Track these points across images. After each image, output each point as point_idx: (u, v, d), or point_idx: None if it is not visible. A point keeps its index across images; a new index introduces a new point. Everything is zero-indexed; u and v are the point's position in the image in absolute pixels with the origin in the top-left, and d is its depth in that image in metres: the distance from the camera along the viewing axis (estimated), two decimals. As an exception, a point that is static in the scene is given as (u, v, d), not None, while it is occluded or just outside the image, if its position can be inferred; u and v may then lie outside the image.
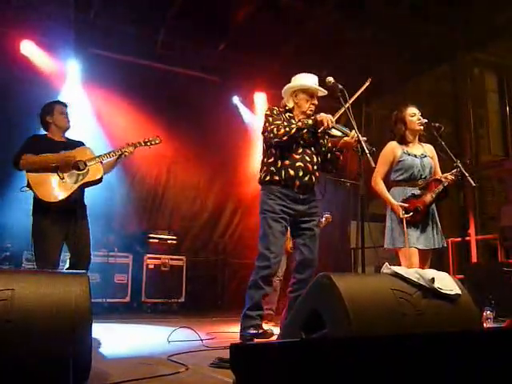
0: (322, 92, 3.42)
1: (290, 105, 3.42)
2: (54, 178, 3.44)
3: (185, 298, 6.46)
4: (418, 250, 3.33)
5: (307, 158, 3.26)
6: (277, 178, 3.23)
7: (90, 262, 3.55)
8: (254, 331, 3.01)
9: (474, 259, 6.33)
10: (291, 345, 1.38)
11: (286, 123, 3.23)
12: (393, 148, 3.55)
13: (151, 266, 6.36)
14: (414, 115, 3.54)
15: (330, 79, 3.19)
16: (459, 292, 2.18)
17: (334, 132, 3.23)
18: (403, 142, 3.55)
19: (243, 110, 7.56)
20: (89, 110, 6.38)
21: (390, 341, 1.48)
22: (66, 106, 3.76)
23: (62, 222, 3.43)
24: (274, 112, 3.34)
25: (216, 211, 7.52)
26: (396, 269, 2.19)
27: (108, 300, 5.97)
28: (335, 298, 1.94)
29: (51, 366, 1.63)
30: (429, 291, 2.13)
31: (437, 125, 3.44)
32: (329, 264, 7.02)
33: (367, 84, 3.28)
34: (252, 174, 6.92)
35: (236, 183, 7.55)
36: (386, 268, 2.22)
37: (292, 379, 1.34)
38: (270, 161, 3.28)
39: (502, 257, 6.02)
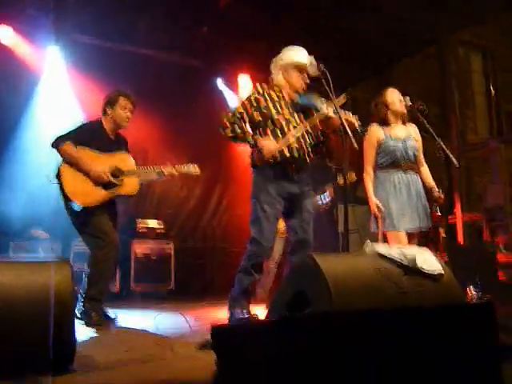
0: (314, 68, 3.23)
1: (281, 82, 3.32)
2: (87, 180, 3.37)
3: (174, 285, 6.46)
4: (406, 231, 3.36)
5: (301, 139, 3.21)
6: (271, 160, 3.15)
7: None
8: (241, 315, 3.02)
9: (460, 239, 6.39)
10: (271, 324, 1.39)
11: (237, 124, 3.16)
12: (375, 131, 3.54)
13: (139, 254, 6.34)
14: (395, 96, 3.54)
15: (312, 60, 3.18)
16: (442, 271, 2.19)
17: (331, 114, 3.12)
18: (385, 124, 3.55)
19: (228, 94, 7.50)
20: (71, 96, 6.27)
21: (369, 315, 1.50)
22: (131, 101, 3.58)
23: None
24: (253, 97, 3.25)
25: (204, 198, 7.49)
26: (379, 248, 2.20)
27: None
28: (318, 277, 1.95)
29: (32, 351, 1.63)
30: (411, 270, 2.14)
31: (419, 104, 3.44)
32: (317, 248, 7.04)
33: (342, 100, 3.15)
34: (239, 158, 6.92)
35: (223, 169, 7.53)
36: (369, 247, 2.23)
37: (272, 357, 1.35)
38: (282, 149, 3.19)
39: (487, 236, 6.09)
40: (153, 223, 6.66)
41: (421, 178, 3.52)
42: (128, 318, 3.90)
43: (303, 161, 3.22)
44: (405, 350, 1.52)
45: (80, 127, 3.50)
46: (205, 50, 7.17)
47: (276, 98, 3.29)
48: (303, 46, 3.37)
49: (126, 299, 6.05)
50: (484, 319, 1.44)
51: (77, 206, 3.37)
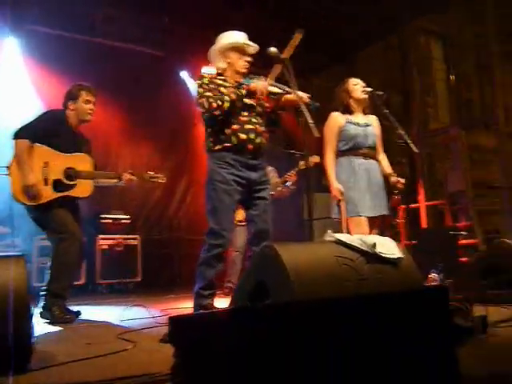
0: (254, 48, 3.26)
1: (222, 66, 3.24)
2: (37, 176, 3.29)
3: (141, 277, 6.41)
4: (367, 218, 3.40)
5: (254, 120, 3.15)
6: (228, 144, 3.09)
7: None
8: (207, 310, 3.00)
9: (424, 224, 6.52)
10: (229, 313, 1.39)
11: (218, 95, 3.06)
12: (336, 118, 3.57)
13: (104, 247, 6.26)
14: (356, 84, 3.57)
15: (273, 49, 3.16)
16: (401, 256, 2.23)
17: (274, 90, 3.14)
18: (347, 111, 3.58)
19: (192, 85, 7.43)
20: (28, 87, 6.10)
21: (327, 303, 1.51)
22: (93, 94, 3.51)
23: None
24: (205, 81, 3.14)
25: (169, 188, 7.42)
26: (339, 236, 2.22)
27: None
28: (278, 267, 1.95)
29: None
30: (371, 256, 2.17)
31: (380, 93, 3.48)
32: (281, 237, 7.07)
33: (299, 36, 2.97)
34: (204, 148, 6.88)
35: (188, 159, 7.48)
36: (329, 235, 2.25)
37: (231, 348, 1.35)
38: (215, 128, 3.12)
39: (450, 221, 6.24)
40: (117, 215, 6.58)
41: (379, 167, 3.57)
42: (92, 312, 3.85)
43: (259, 144, 3.15)
44: (364, 336, 1.54)
45: (42, 118, 3.41)
46: (168, 40, 7.08)
47: (221, 83, 3.19)
48: (266, 35, 3.36)
49: (92, 293, 5.98)
50: (438, 303, 1.47)
51: (20, 203, 3.32)
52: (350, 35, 7.43)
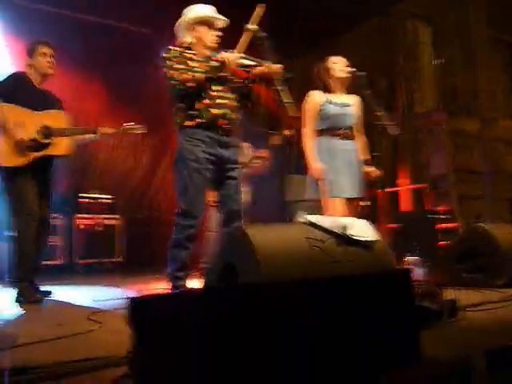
0: (223, 21, 3.15)
1: (189, 40, 3.12)
2: (11, 140, 3.18)
3: (122, 257, 6.36)
4: (345, 199, 3.38)
5: (227, 95, 3.07)
6: (199, 120, 2.99)
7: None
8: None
9: (404, 208, 6.54)
10: (191, 295, 1.35)
11: (190, 67, 2.95)
12: (315, 97, 3.52)
13: (82, 227, 6.18)
14: (337, 62, 3.52)
15: (251, 27, 3.08)
16: (374, 238, 2.21)
17: (245, 62, 3.04)
18: (326, 90, 3.53)
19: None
20: (12, 65, 5.93)
21: (294, 285, 1.48)
22: (50, 46, 3.39)
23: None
24: (175, 53, 3.01)
25: (151, 167, 7.34)
26: (310, 217, 2.19)
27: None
28: (247, 249, 1.93)
29: None
30: (342, 238, 2.15)
31: (362, 73, 3.43)
32: (263, 218, 7.04)
33: (262, 9, 2.96)
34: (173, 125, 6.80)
35: (170, 138, 7.38)
36: (301, 217, 2.22)
37: (194, 332, 1.32)
38: (186, 104, 3.01)
39: (430, 205, 6.26)
40: (97, 195, 6.49)
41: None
42: (66, 292, 3.81)
43: (232, 120, 3.08)
44: (330, 317, 1.52)
45: (5, 80, 3.31)
46: (155, 17, 6.93)
47: (190, 56, 3.08)
48: (244, 13, 3.25)
49: (69, 273, 5.92)
50: (401, 286, 1.45)
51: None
52: (335, 17, 7.32)
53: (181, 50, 3.10)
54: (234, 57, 2.95)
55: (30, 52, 3.38)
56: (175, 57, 3.01)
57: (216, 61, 2.97)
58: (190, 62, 3.02)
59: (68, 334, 2.01)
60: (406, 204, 6.61)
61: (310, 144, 3.46)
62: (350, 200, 3.41)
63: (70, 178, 6.71)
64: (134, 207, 7.01)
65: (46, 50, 3.39)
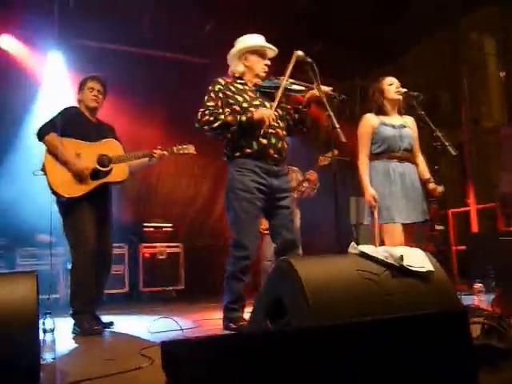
0: (273, 51, 3.19)
1: (241, 69, 3.17)
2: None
3: (184, 285, 6.42)
4: (402, 225, 3.23)
5: (275, 124, 3.03)
6: (248, 150, 2.99)
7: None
8: (235, 326, 2.92)
9: (475, 229, 6.19)
10: (225, 340, 1.29)
11: (218, 109, 2.98)
12: (369, 119, 3.42)
13: (147, 255, 6.31)
14: (391, 84, 3.41)
15: (300, 53, 3.05)
16: (432, 268, 2.06)
17: (295, 87, 3.03)
18: (381, 112, 3.42)
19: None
20: (72, 101, 6.23)
21: (342, 328, 1.39)
22: (98, 81, 3.54)
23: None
24: (216, 88, 3.07)
25: (211, 196, 7.42)
26: (363, 248, 2.08)
27: (106, 291, 5.95)
28: (295, 283, 1.84)
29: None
30: (398, 270, 2.02)
31: (415, 93, 3.30)
32: (329, 242, 6.88)
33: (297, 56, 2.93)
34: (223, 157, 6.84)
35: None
36: (353, 248, 2.11)
37: (226, 378, 1.25)
38: (234, 135, 3.02)
39: (502, 225, 5.88)
40: (160, 223, 6.62)
41: (417, 171, 3.38)
42: (127, 322, 3.86)
43: (281, 149, 3.04)
44: (381, 360, 1.41)
45: (60, 114, 3.43)
46: (209, 47, 7.08)
47: (240, 87, 3.14)
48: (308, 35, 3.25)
49: (135, 301, 6.04)
50: (457, 328, 1.32)
51: (62, 197, 3.32)
52: (398, 33, 7.14)
53: (229, 81, 3.14)
54: (268, 113, 2.91)
55: (80, 87, 3.54)
56: (215, 91, 3.06)
57: (250, 118, 2.93)
58: (230, 99, 3.04)
59: (117, 371, 2.00)
60: (475, 224, 6.25)
61: (365, 168, 3.35)
62: (409, 225, 3.25)
63: (135, 208, 6.91)
64: (195, 236, 7.08)
65: (93, 84, 3.53)
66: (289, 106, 3.22)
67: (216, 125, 2.97)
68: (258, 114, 2.92)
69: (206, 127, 3.00)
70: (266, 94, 3.13)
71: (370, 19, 6.65)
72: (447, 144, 3.05)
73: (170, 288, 6.35)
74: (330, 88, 2.91)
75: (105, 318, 3.55)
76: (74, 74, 6.27)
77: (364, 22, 6.68)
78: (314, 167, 4.73)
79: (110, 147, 3.46)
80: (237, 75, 3.20)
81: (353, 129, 3.52)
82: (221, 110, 3.01)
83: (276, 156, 3.03)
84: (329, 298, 1.85)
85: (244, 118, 2.95)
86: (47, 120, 3.42)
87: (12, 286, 1.79)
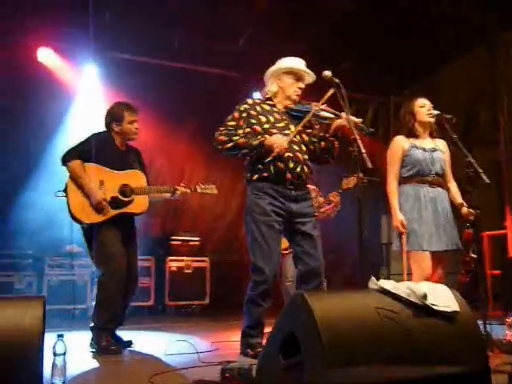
0: (310, 76, 3.10)
1: (274, 89, 3.10)
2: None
3: (209, 300, 6.36)
4: (431, 252, 3.09)
5: (295, 147, 2.95)
6: (265, 174, 2.92)
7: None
8: (252, 353, 2.83)
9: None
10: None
11: (233, 131, 2.94)
12: (399, 142, 3.30)
13: (174, 269, 6.29)
14: (423, 106, 3.28)
15: (327, 73, 2.98)
16: (457, 309, 1.94)
17: (323, 114, 2.95)
18: (412, 135, 3.30)
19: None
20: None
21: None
22: (135, 112, 3.53)
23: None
24: (242, 107, 3.03)
25: (240, 211, 7.32)
26: (384, 284, 1.97)
27: (131, 303, 5.96)
28: (309, 320, 1.75)
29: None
30: (421, 309, 1.90)
31: (448, 116, 3.16)
32: (358, 260, 6.70)
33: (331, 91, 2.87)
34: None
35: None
36: (373, 283, 2.01)
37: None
38: (254, 158, 2.97)
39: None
40: (188, 237, 6.60)
41: (448, 196, 3.24)
42: (146, 338, 3.83)
43: (300, 173, 2.94)
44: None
45: (89, 140, 3.43)
46: (242, 61, 7.09)
47: (268, 108, 3.07)
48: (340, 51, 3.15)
49: (160, 314, 6.03)
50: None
51: (82, 223, 3.33)
52: (434, 48, 6.97)
53: (257, 101, 3.10)
54: (281, 143, 2.84)
55: (118, 118, 3.47)
56: (240, 111, 3.02)
57: (261, 142, 2.88)
58: (253, 119, 2.98)
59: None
60: (513, 249, 5.99)
61: (394, 192, 3.23)
62: (439, 253, 3.11)
63: (163, 221, 6.92)
64: (222, 251, 7.02)
65: (133, 117, 3.50)
66: (316, 133, 3.11)
67: (228, 146, 2.95)
68: (268, 140, 2.87)
69: (219, 147, 2.98)
70: (296, 117, 3.04)
71: (405, 33, 6.53)
72: (480, 171, 2.91)
73: (195, 302, 6.30)
74: (360, 120, 2.81)
75: (126, 334, 3.53)
76: (108, 87, 6.39)
77: (400, 35, 6.55)
78: (337, 189, 4.64)
79: (134, 178, 3.45)
80: (268, 95, 3.15)
81: (386, 148, 3.41)
82: (238, 131, 2.97)
83: (294, 180, 2.94)
84: (343, 337, 1.75)
85: (255, 143, 2.89)
86: (74, 145, 3.42)
87: (18, 311, 1.76)
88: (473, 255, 3.11)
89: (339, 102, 2.79)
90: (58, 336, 2.22)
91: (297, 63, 3.11)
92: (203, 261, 6.50)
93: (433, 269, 3.08)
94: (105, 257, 3.28)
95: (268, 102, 3.11)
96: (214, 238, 7.13)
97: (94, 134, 3.46)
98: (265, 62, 6.93)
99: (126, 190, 3.37)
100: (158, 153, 6.75)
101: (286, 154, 2.91)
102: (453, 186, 3.32)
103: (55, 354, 2.19)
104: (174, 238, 6.54)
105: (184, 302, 6.25)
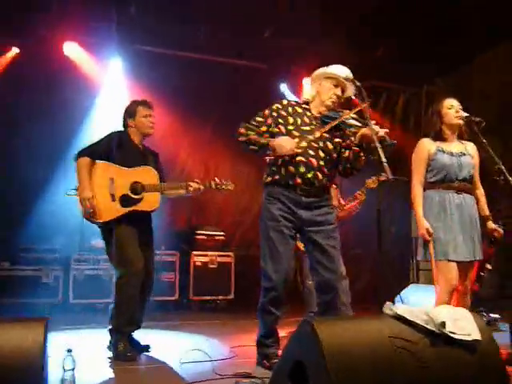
0: (352, 88, 2.92)
1: (312, 92, 3.01)
2: (103, 193, 3.30)
3: (234, 295, 6.33)
4: (456, 262, 2.94)
5: (310, 152, 2.81)
6: (277, 177, 2.84)
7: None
8: (268, 364, 2.76)
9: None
10: None
11: (256, 127, 2.88)
12: (425, 145, 3.13)
13: (198, 264, 6.26)
14: (451, 107, 3.10)
15: (349, 75, 2.85)
16: (478, 337, 1.81)
17: (350, 122, 2.82)
18: (439, 138, 3.12)
19: (291, 98, 7.21)
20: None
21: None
22: (150, 107, 3.51)
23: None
24: (274, 107, 2.95)
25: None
26: (400, 309, 1.86)
27: (156, 298, 5.99)
28: (316, 350, 1.66)
29: None
30: (438, 337, 1.78)
31: (477, 119, 2.98)
32: (390, 275, 6.52)
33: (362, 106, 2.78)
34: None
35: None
36: (388, 308, 1.90)
37: None
38: (271, 159, 2.89)
39: None
40: (212, 231, 6.56)
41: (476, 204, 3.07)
42: (165, 340, 3.82)
43: (311, 179, 2.80)
44: None
45: (105, 139, 3.40)
46: (269, 53, 6.94)
47: (300, 111, 2.96)
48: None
49: (185, 309, 6.03)
50: None
51: (95, 222, 3.30)
52: (470, 39, 6.63)
53: (292, 103, 3.01)
54: (287, 147, 2.74)
55: (132, 113, 3.45)
56: (273, 109, 2.95)
57: (268, 142, 2.80)
58: (282, 119, 2.90)
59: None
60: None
61: (418, 199, 3.08)
62: (465, 264, 2.96)
63: (188, 216, 6.89)
64: (247, 245, 6.94)
65: (146, 111, 3.45)
66: (347, 143, 2.94)
67: (242, 139, 2.88)
68: (275, 141, 2.78)
69: (238, 138, 2.91)
70: (326, 123, 2.90)
71: (439, 20, 6.23)
72: (511, 179, 2.72)
73: (220, 297, 6.27)
74: (385, 130, 2.65)
75: (147, 333, 3.53)
76: (133, 81, 6.36)
77: (433, 22, 6.26)
78: (361, 188, 4.52)
79: (146, 175, 3.38)
80: (305, 98, 3.07)
81: (417, 141, 3.23)
82: (262, 128, 2.90)
83: (304, 186, 2.82)
84: (352, 368, 1.66)
85: (263, 141, 2.82)
86: (89, 144, 3.41)
87: (19, 334, 1.73)
88: (488, 266, 2.96)
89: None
90: (67, 351, 2.20)
91: (341, 71, 2.96)
92: (228, 256, 6.45)
93: (459, 280, 2.93)
94: (123, 260, 3.25)
95: (303, 106, 3.01)
96: (239, 232, 7.06)
97: (109, 134, 3.43)
98: (291, 53, 6.85)
99: (136, 188, 3.33)
100: (180, 144, 6.72)
101: (298, 158, 2.80)
102: (480, 193, 3.15)
103: (64, 370, 2.17)
104: (198, 232, 6.50)
105: (209, 297, 6.23)
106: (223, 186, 3.54)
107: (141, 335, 3.45)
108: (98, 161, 3.33)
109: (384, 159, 2.40)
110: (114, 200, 3.30)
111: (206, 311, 6.00)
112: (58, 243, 5.76)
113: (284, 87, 7.28)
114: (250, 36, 6.78)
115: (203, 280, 6.22)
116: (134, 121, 3.44)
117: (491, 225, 3.01)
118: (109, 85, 6.32)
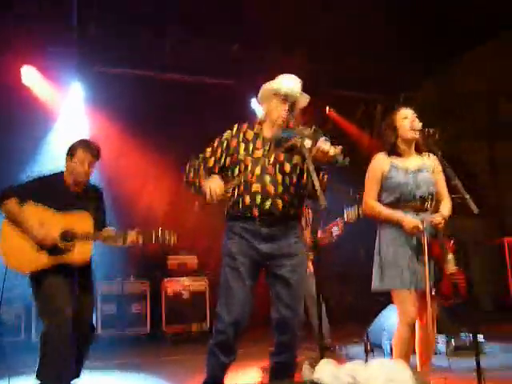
0: (304, 98, 2.65)
1: (263, 113, 2.72)
2: (29, 242, 2.95)
3: (209, 324, 5.98)
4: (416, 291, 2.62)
5: (267, 179, 2.52)
6: (235, 209, 2.56)
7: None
8: None
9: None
10: None
11: (195, 168, 2.65)
12: (379, 162, 2.82)
13: (170, 293, 5.95)
14: (405, 117, 2.79)
15: (296, 86, 2.57)
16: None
17: (305, 141, 2.37)
18: (394, 153, 2.81)
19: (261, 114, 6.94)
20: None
21: None
22: (92, 154, 3.11)
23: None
24: (225, 135, 2.68)
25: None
26: (321, 372, 1.54)
27: (128, 332, 5.69)
28: None
29: None
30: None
31: (431, 130, 2.66)
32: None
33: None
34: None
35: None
36: (308, 370, 1.59)
37: None
38: (230, 189, 2.57)
39: None
40: (185, 258, 6.26)
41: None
42: None
43: (270, 209, 2.51)
44: None
45: (35, 180, 3.08)
46: (237, 68, 6.68)
47: (251, 138, 2.65)
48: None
49: (157, 343, 5.68)
50: None
51: (21, 272, 2.96)
52: (456, 33, 6.34)
53: (243, 128, 2.70)
54: (213, 188, 2.44)
55: (71, 152, 3.10)
56: (223, 139, 2.69)
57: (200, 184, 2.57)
58: (233, 148, 2.64)
59: None
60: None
61: (379, 205, 2.78)
62: (422, 292, 2.61)
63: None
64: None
65: (85, 156, 3.09)
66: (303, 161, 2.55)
67: (184, 180, 2.69)
68: (204, 184, 2.51)
69: (184, 179, 2.73)
70: (279, 145, 2.56)
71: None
72: (467, 197, 2.39)
73: (194, 325, 5.92)
74: (339, 147, 2.30)
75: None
76: (93, 106, 6.10)
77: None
78: (341, 219, 4.32)
79: (80, 221, 3.04)
80: (260, 119, 2.76)
81: None
82: (210, 161, 2.66)
83: (264, 217, 2.51)
84: None
85: (197, 184, 2.59)
86: (18, 184, 3.09)
87: None
88: (452, 269, 2.62)
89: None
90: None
91: (284, 83, 2.62)
92: (202, 281, 6.16)
93: (419, 311, 2.61)
94: (51, 309, 2.90)
95: (255, 129, 2.69)
96: (212, 257, 6.73)
97: (43, 175, 3.11)
98: (260, 67, 6.59)
99: (67, 236, 2.98)
100: (146, 164, 6.45)
101: (254, 187, 2.51)
102: (446, 202, 2.83)
103: None
104: (170, 257, 6.22)
105: (182, 326, 5.89)
106: (165, 241, 3.14)
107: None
108: (26, 203, 2.98)
109: (317, 185, 2.08)
110: (40, 248, 2.96)
111: (180, 344, 5.62)
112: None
113: (254, 102, 6.99)
114: (217, 51, 6.54)
115: (176, 310, 5.91)
116: (71, 162, 3.10)
117: (435, 219, 2.68)
118: (68, 111, 6.04)
